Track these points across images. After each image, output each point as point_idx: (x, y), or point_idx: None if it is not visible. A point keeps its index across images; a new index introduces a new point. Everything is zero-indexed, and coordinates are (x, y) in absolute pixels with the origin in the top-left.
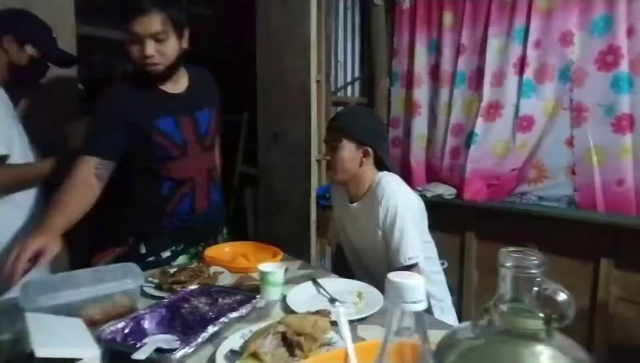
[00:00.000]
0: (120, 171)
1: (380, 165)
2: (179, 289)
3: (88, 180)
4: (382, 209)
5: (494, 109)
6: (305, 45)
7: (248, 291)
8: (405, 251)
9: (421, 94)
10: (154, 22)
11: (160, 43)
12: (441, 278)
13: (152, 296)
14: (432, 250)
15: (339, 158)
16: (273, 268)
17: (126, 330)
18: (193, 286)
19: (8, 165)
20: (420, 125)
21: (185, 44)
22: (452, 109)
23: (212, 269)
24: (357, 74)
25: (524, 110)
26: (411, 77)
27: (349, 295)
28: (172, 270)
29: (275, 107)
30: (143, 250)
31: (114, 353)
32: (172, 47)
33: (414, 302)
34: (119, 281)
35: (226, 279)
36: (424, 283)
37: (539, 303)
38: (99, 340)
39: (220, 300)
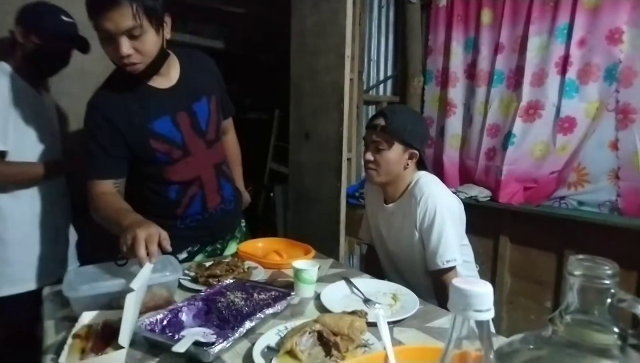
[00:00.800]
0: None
1: (420, 166)
2: (214, 282)
3: (114, 193)
4: (421, 210)
5: (534, 109)
6: (340, 43)
7: (282, 287)
8: (443, 253)
9: (456, 93)
10: (125, 16)
11: (136, 39)
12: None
13: (189, 289)
14: (469, 253)
15: (385, 160)
16: (307, 265)
17: (164, 322)
18: (228, 281)
19: (6, 163)
20: (454, 125)
21: (167, 34)
22: (488, 109)
23: (246, 264)
24: (389, 72)
25: (565, 111)
26: (446, 76)
27: (383, 296)
28: (207, 264)
29: (307, 105)
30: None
31: (153, 343)
32: (151, 42)
33: (482, 310)
34: (158, 273)
35: (260, 274)
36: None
37: (611, 317)
38: (138, 330)
39: (255, 295)
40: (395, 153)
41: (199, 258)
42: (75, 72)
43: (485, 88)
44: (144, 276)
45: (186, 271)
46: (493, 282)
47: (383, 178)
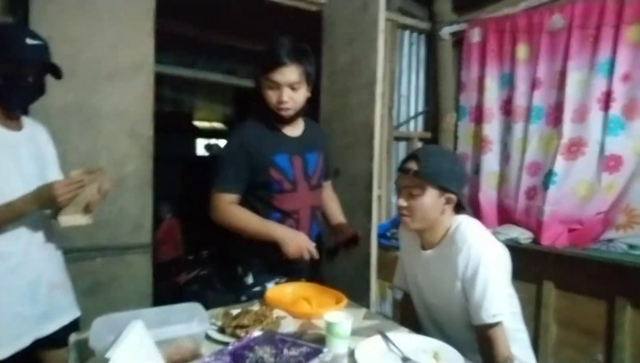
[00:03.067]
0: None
1: (459, 209)
2: (242, 334)
3: (234, 206)
4: (463, 258)
5: (576, 146)
6: (371, 81)
7: (312, 341)
8: (489, 307)
9: (492, 129)
10: (293, 73)
11: (294, 91)
12: (525, 336)
13: (216, 340)
14: (516, 304)
15: (420, 206)
16: (339, 318)
17: None
18: (257, 332)
19: None
20: (491, 162)
21: (309, 93)
22: (527, 146)
23: (275, 313)
24: (420, 108)
25: (610, 148)
26: (481, 112)
27: (423, 354)
28: (234, 312)
29: (338, 142)
30: (250, 281)
31: None
32: (303, 95)
33: None
34: (185, 324)
35: (289, 325)
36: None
37: None
38: None
39: (285, 351)
40: (431, 198)
41: None
42: (112, 114)
43: (523, 124)
44: (131, 340)
45: (213, 321)
46: (537, 331)
47: (418, 224)
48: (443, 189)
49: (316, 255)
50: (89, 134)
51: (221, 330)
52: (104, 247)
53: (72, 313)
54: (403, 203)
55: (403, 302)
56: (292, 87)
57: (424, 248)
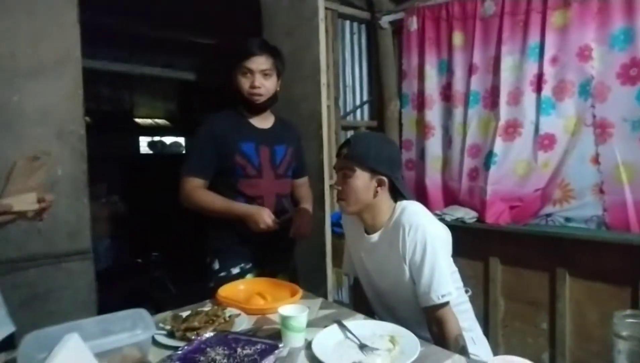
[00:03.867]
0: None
1: (396, 193)
2: (193, 337)
3: (200, 189)
4: (410, 242)
5: (513, 128)
6: (315, 71)
7: (268, 337)
8: (437, 288)
9: (434, 115)
10: (264, 62)
11: (266, 78)
12: (468, 306)
13: (165, 346)
14: (458, 279)
15: (352, 188)
16: (294, 311)
17: None
18: (208, 334)
19: None
20: (434, 146)
21: (278, 88)
22: (467, 130)
23: (228, 312)
24: (365, 97)
25: (544, 128)
26: (422, 99)
27: (380, 340)
28: (184, 314)
29: None
30: (216, 266)
31: None
32: (273, 84)
33: None
34: (129, 332)
35: (243, 323)
36: None
37: None
38: None
39: (239, 350)
40: (361, 180)
41: (249, 276)
42: (37, 114)
43: (462, 109)
44: (65, 356)
45: (161, 325)
46: (486, 305)
47: (353, 207)
48: (373, 171)
49: (277, 226)
50: (11, 137)
51: (170, 334)
52: (37, 256)
53: (4, 330)
54: (339, 185)
55: (354, 288)
56: (265, 73)
57: (367, 232)
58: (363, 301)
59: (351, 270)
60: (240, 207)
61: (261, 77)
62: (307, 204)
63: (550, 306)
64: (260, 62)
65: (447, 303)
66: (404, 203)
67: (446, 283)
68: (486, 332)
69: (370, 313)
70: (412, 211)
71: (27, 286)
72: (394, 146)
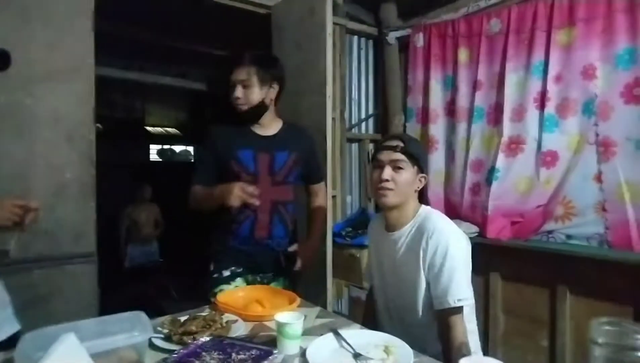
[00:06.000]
0: None
1: (421, 197)
2: (189, 341)
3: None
4: (432, 245)
5: (515, 144)
6: (321, 84)
7: (263, 344)
8: (455, 292)
9: (437, 130)
10: (243, 72)
11: (245, 88)
12: (476, 329)
13: (161, 349)
14: (472, 296)
15: (403, 180)
16: (290, 318)
17: None
18: (205, 338)
19: None
20: (437, 161)
21: (268, 97)
22: (470, 145)
23: (225, 317)
24: (371, 111)
25: (547, 145)
26: (427, 113)
27: (375, 350)
28: (182, 319)
29: None
30: (212, 267)
31: None
32: (255, 93)
33: None
34: (126, 334)
35: (240, 329)
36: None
37: None
38: None
39: (234, 355)
40: (412, 174)
41: (239, 281)
42: (49, 118)
43: (465, 124)
44: (61, 354)
45: (159, 328)
46: (486, 321)
47: (397, 198)
48: (420, 169)
49: (255, 197)
50: (22, 139)
51: (167, 338)
52: (42, 258)
53: (9, 328)
54: (387, 175)
55: (368, 297)
56: (243, 84)
57: (388, 230)
58: (372, 314)
59: (370, 278)
60: (216, 189)
61: (240, 88)
62: (315, 231)
63: (550, 324)
64: (238, 73)
65: (460, 310)
66: (428, 208)
67: (464, 288)
68: (485, 348)
69: (377, 326)
70: (438, 216)
71: (30, 287)
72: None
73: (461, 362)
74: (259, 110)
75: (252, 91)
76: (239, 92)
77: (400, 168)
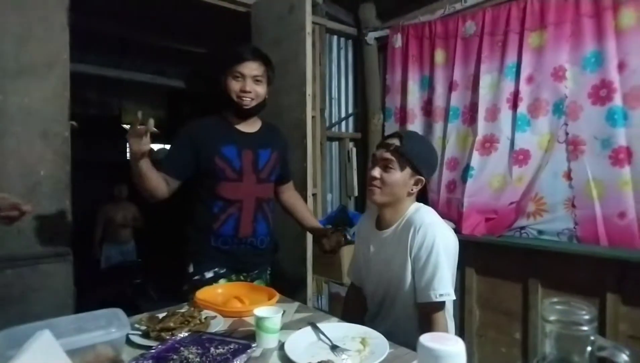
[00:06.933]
0: (187, 197)
1: (421, 197)
2: (167, 337)
3: (163, 180)
4: (419, 238)
5: (489, 143)
6: (301, 82)
7: (242, 338)
8: (437, 286)
9: (415, 129)
10: (256, 68)
11: (257, 84)
12: (453, 326)
13: (139, 345)
14: (453, 293)
15: (392, 180)
16: (269, 312)
17: None
18: (183, 334)
19: None
20: None
21: (266, 96)
22: (446, 144)
23: (204, 313)
24: (350, 110)
25: (519, 144)
26: (404, 113)
27: (351, 341)
28: (160, 315)
29: None
30: (191, 269)
31: None
32: (263, 90)
33: None
34: (103, 330)
35: (219, 324)
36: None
37: None
38: None
39: (212, 349)
40: (403, 176)
41: (222, 281)
42: (21, 114)
43: (442, 124)
44: (35, 352)
45: (136, 325)
46: (462, 315)
47: (384, 197)
48: (416, 171)
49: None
50: None
51: (145, 335)
52: (15, 257)
53: None
54: (376, 173)
55: (349, 291)
56: (256, 79)
57: (379, 228)
58: (354, 305)
59: (356, 277)
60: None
61: (252, 82)
62: (309, 214)
63: (523, 316)
64: (252, 68)
65: (442, 305)
66: (417, 204)
67: (447, 283)
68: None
69: (359, 319)
70: (426, 211)
71: (3, 287)
72: (435, 154)
73: (422, 337)
74: (260, 107)
75: (262, 87)
76: (249, 86)
77: (390, 168)
